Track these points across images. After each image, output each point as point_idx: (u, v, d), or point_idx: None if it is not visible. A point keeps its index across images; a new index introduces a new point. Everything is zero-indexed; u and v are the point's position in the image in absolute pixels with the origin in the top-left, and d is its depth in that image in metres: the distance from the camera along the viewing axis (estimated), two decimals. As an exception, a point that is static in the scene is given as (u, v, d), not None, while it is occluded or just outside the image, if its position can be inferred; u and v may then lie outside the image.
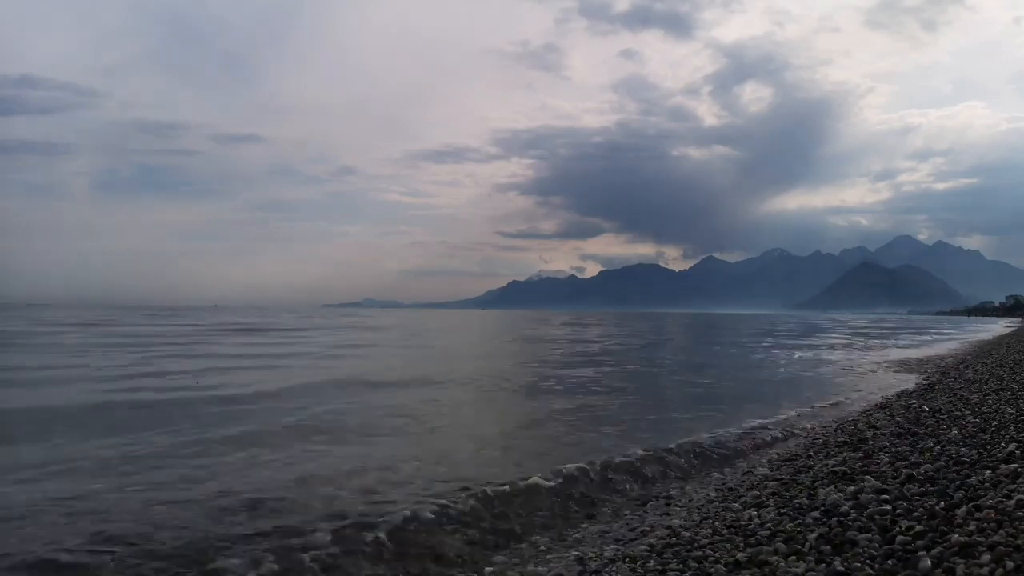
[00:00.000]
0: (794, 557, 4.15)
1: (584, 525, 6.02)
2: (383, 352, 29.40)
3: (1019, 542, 3.59)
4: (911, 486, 5.16)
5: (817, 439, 8.98)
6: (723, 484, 7.06)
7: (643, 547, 4.95)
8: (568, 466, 7.58)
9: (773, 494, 5.87)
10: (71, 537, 5.22)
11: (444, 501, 6.24)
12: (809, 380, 18.18)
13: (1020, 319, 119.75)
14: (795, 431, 10.11)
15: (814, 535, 4.40)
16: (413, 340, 40.19)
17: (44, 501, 6.06)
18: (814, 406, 12.79)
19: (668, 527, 5.45)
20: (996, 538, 3.69)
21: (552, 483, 7.01)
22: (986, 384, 12.02)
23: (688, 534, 5.08)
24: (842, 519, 4.62)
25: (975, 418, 8.06)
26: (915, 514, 4.43)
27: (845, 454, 7.12)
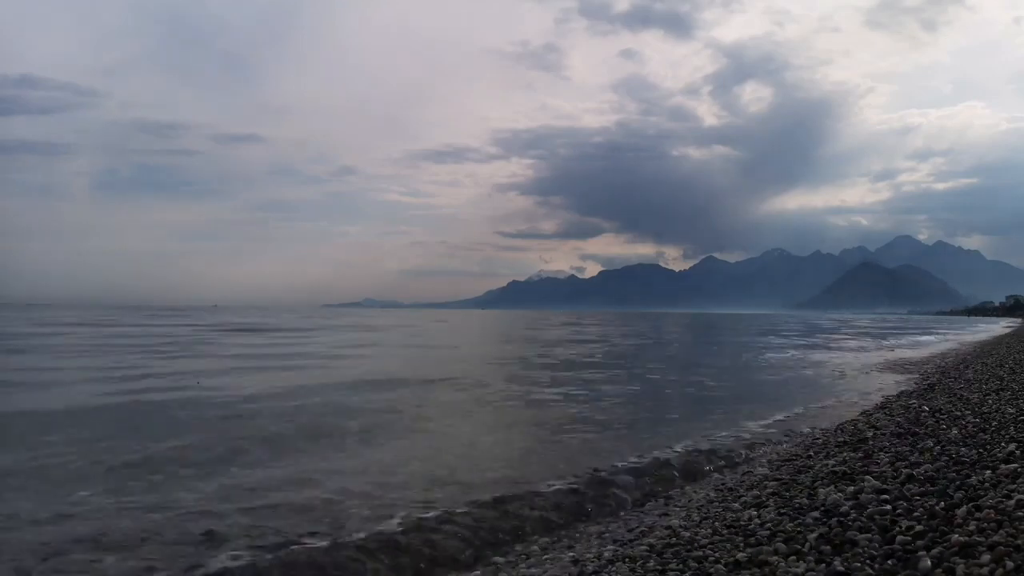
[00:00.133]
0: (794, 557, 4.15)
1: (582, 526, 6.01)
2: (383, 353, 29.41)
3: (1019, 542, 3.58)
4: (911, 486, 5.16)
5: (817, 439, 8.98)
6: (723, 484, 7.06)
7: (643, 547, 4.95)
8: (567, 468, 7.60)
9: (773, 494, 5.87)
10: (68, 544, 5.20)
11: (442, 504, 6.25)
12: (810, 381, 18.17)
13: (1020, 319, 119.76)
14: (794, 431, 10.12)
15: (814, 535, 4.40)
16: (413, 341, 40.20)
17: (39, 508, 6.01)
18: (809, 407, 12.80)
19: (668, 527, 5.45)
20: (996, 538, 3.69)
21: (551, 485, 7.02)
22: (986, 384, 12.01)
23: (688, 534, 5.08)
24: (842, 519, 4.62)
25: (975, 418, 8.06)
26: (915, 514, 4.43)
27: (845, 454, 7.12)
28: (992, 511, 4.10)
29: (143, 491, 6.58)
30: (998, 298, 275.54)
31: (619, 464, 8.02)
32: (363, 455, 8.33)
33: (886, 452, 6.83)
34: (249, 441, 8.96)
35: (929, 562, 3.61)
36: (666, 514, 6.11)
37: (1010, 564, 3.37)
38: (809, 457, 7.62)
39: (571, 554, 5.21)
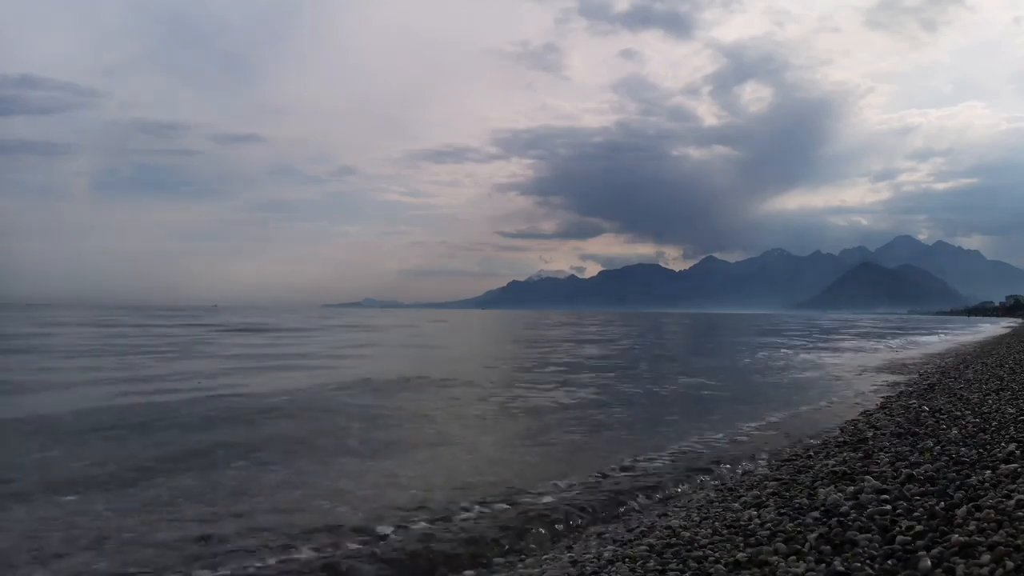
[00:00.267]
0: (794, 557, 4.14)
1: (582, 527, 6.01)
2: (383, 353, 29.43)
3: (1019, 542, 3.58)
4: (911, 486, 5.16)
5: (815, 441, 8.98)
6: (723, 484, 7.06)
7: (643, 547, 4.95)
8: (566, 470, 7.61)
9: (773, 494, 5.87)
10: (66, 549, 5.19)
11: (441, 506, 6.26)
12: (809, 382, 18.17)
13: (1020, 319, 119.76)
14: (792, 433, 10.12)
15: (814, 535, 4.40)
16: (413, 341, 40.21)
17: (38, 512, 6.00)
18: (808, 407, 12.80)
19: (668, 527, 5.45)
20: (996, 538, 3.69)
21: (549, 486, 7.03)
22: (986, 384, 12.01)
23: (688, 534, 5.08)
24: (842, 519, 4.62)
25: (975, 418, 8.05)
26: (915, 514, 4.43)
27: (845, 454, 7.12)
28: (992, 511, 4.10)
29: (142, 494, 6.56)
30: (998, 298, 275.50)
31: (618, 465, 8.03)
32: (362, 457, 8.32)
33: (886, 452, 6.82)
34: (249, 443, 8.96)
35: (929, 562, 3.61)
36: (666, 514, 6.11)
37: (1010, 564, 3.37)
38: (809, 457, 7.62)
39: (570, 554, 5.22)
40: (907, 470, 5.67)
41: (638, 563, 4.61)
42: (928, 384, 14.02)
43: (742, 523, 5.08)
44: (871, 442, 7.59)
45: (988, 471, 5.17)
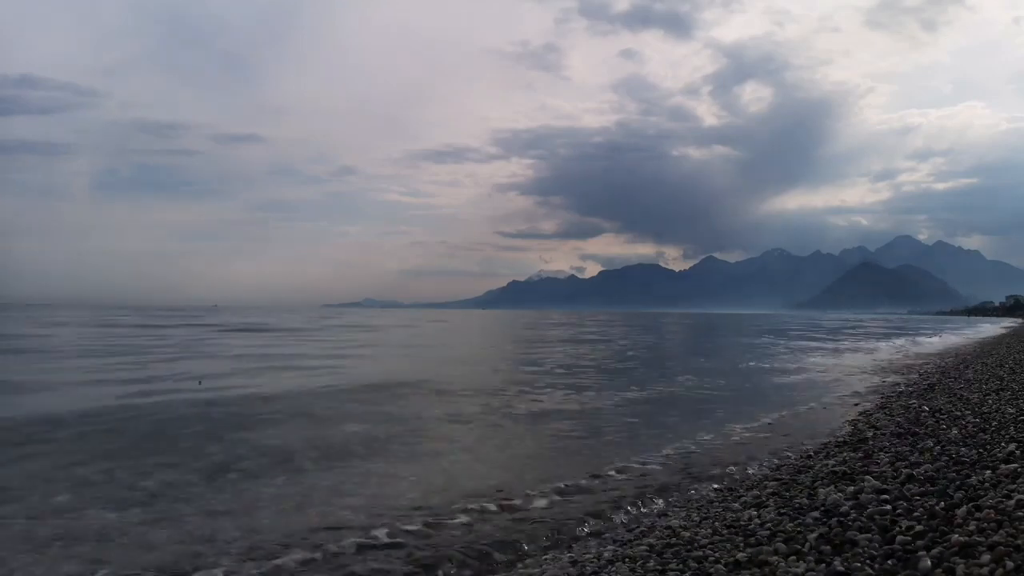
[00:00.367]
0: (794, 557, 4.15)
1: (581, 527, 6.00)
2: (384, 354, 29.44)
3: (1019, 542, 3.58)
4: (911, 486, 5.16)
5: (817, 439, 8.98)
6: (723, 484, 7.06)
7: (643, 547, 4.95)
8: (565, 471, 7.61)
9: (773, 494, 5.87)
10: (65, 555, 5.17)
11: (440, 508, 6.26)
12: (808, 383, 18.16)
13: (1020, 319, 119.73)
14: (792, 434, 10.12)
15: (814, 535, 4.40)
16: (413, 342, 40.24)
17: (37, 517, 5.95)
18: (806, 409, 12.79)
19: (668, 527, 5.45)
20: (996, 538, 3.69)
21: (549, 487, 7.04)
22: (986, 384, 12.02)
23: (688, 534, 5.08)
24: (842, 519, 4.62)
25: (975, 418, 8.06)
26: (915, 514, 4.43)
27: (845, 454, 7.12)
28: (992, 511, 4.10)
29: (141, 498, 6.53)
30: (998, 298, 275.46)
31: (618, 465, 8.03)
32: (362, 460, 8.28)
33: (886, 452, 6.83)
34: (249, 444, 8.95)
35: (929, 562, 3.62)
36: (666, 514, 6.11)
37: (1010, 564, 3.37)
38: (809, 457, 7.63)
39: (570, 554, 5.22)
40: (907, 470, 5.68)
41: (638, 563, 4.61)
42: (928, 384, 14.02)
43: (742, 523, 5.08)
44: (871, 442, 7.60)
45: (988, 471, 5.17)
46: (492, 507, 6.38)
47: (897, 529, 4.22)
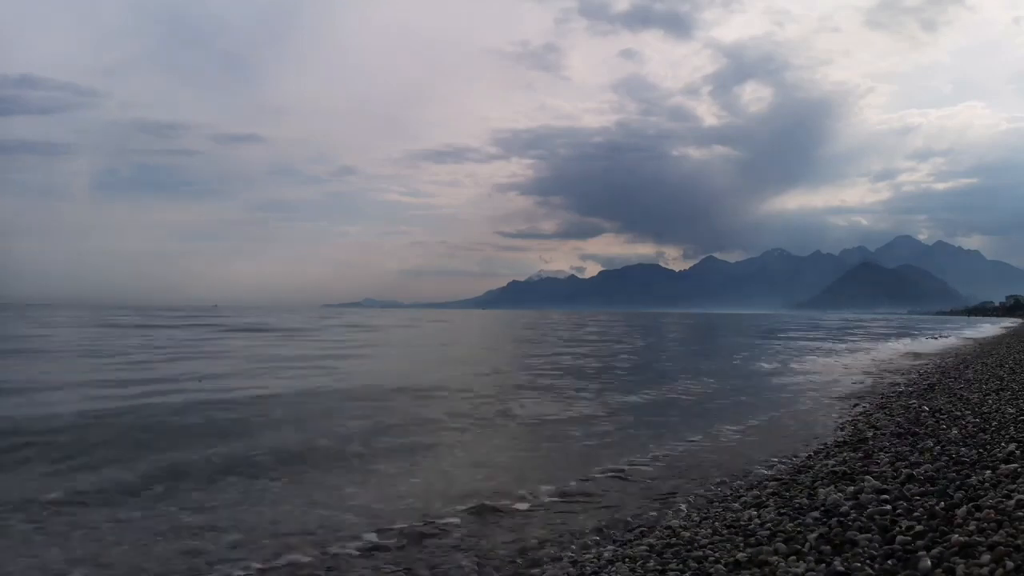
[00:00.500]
0: (794, 557, 4.15)
1: (581, 526, 6.00)
2: (384, 354, 29.44)
3: (1019, 542, 3.58)
4: (911, 486, 5.16)
5: (817, 439, 8.98)
6: (723, 484, 7.06)
7: (643, 547, 4.95)
8: (565, 472, 7.62)
9: (773, 494, 5.87)
10: (64, 559, 5.16)
11: (439, 510, 6.26)
12: (808, 383, 18.15)
13: (1020, 319, 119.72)
14: (792, 434, 10.12)
15: (814, 535, 4.40)
16: (414, 342, 40.25)
17: (37, 525, 5.90)
18: (804, 410, 12.78)
19: (668, 527, 5.45)
20: (996, 538, 3.69)
21: (549, 488, 7.04)
22: (986, 384, 12.02)
23: (688, 534, 5.08)
24: (842, 519, 4.62)
25: (975, 418, 8.06)
26: (915, 514, 4.43)
27: (845, 454, 7.12)
28: (992, 511, 4.10)
29: (141, 503, 6.48)
30: (998, 298, 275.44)
31: (617, 466, 8.04)
32: (362, 462, 8.25)
33: (886, 452, 6.83)
34: (248, 445, 8.93)
35: (929, 562, 3.62)
36: (666, 514, 6.11)
37: (1010, 564, 3.37)
38: (809, 457, 7.63)
39: (570, 554, 5.22)
40: (907, 470, 5.68)
41: (638, 563, 4.62)
42: (928, 384, 14.02)
43: (742, 523, 5.08)
44: (871, 442, 7.60)
45: (988, 471, 5.17)
46: (491, 509, 6.38)
47: (897, 529, 4.22)
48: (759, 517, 5.15)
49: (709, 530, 5.09)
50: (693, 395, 14.75)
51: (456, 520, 6.06)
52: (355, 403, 12.86)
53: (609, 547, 5.24)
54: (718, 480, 7.30)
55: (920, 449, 6.66)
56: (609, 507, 6.49)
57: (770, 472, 7.28)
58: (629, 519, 6.09)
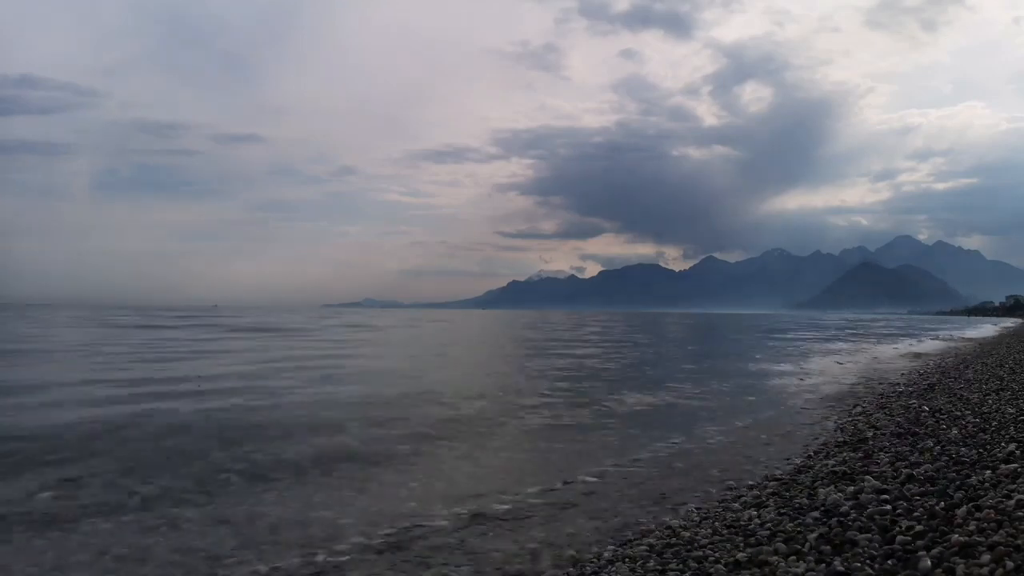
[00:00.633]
0: (794, 557, 4.15)
1: (580, 526, 6.00)
2: (385, 354, 29.43)
3: (1019, 542, 3.58)
4: (911, 486, 5.16)
5: (817, 439, 8.98)
6: (723, 484, 7.06)
7: (643, 547, 4.95)
8: (564, 473, 7.62)
9: (773, 494, 5.87)
10: (63, 565, 5.14)
11: (439, 511, 6.26)
12: (807, 385, 18.14)
13: (1020, 319, 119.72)
14: (793, 435, 10.11)
15: (814, 535, 4.40)
16: (415, 343, 40.25)
17: (36, 533, 5.81)
18: (797, 409, 12.77)
19: (668, 527, 5.45)
20: (996, 538, 3.69)
21: (548, 488, 7.05)
22: (986, 384, 12.02)
23: (688, 534, 5.08)
24: (842, 519, 4.62)
25: (975, 418, 8.06)
26: (915, 514, 4.43)
27: (845, 454, 7.12)
28: (992, 511, 4.10)
29: (140, 507, 6.44)
30: (998, 298, 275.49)
31: (617, 466, 8.04)
32: (362, 464, 8.20)
33: (886, 452, 6.83)
34: (248, 448, 8.87)
35: (929, 562, 3.62)
36: (666, 514, 6.10)
37: (1010, 564, 3.37)
38: (809, 457, 7.63)
39: (570, 553, 5.22)
40: (907, 470, 5.68)
41: (638, 563, 4.62)
42: (928, 384, 14.02)
43: (742, 523, 5.08)
44: (871, 442, 7.60)
45: (988, 471, 5.17)
46: (491, 509, 6.39)
47: (897, 529, 4.22)
48: (759, 517, 5.15)
49: (709, 530, 5.09)
50: (694, 395, 14.74)
51: (455, 522, 6.05)
52: (355, 404, 12.84)
53: (609, 547, 5.24)
54: (718, 480, 7.30)
55: (920, 449, 6.66)
56: (609, 507, 6.48)
57: (770, 472, 7.27)
58: (629, 519, 6.09)
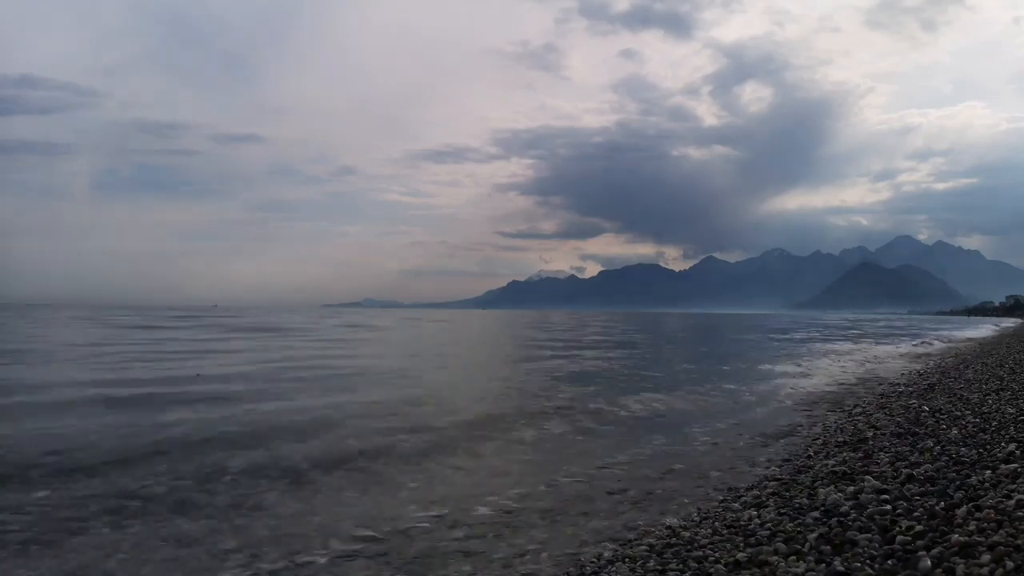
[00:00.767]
0: (794, 557, 4.15)
1: (581, 525, 6.00)
2: (385, 354, 29.43)
3: (1019, 542, 3.58)
4: (911, 486, 5.16)
5: (817, 439, 8.98)
6: (723, 484, 7.06)
7: (643, 547, 4.95)
8: (563, 474, 7.61)
9: (773, 494, 5.87)
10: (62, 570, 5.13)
11: (441, 515, 6.25)
12: (808, 385, 18.14)
13: (1020, 319, 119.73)
14: (796, 434, 10.11)
15: (814, 535, 4.40)
16: (416, 344, 40.25)
17: (37, 542, 5.72)
18: (796, 408, 12.77)
19: (668, 527, 5.45)
20: (996, 538, 3.69)
21: (548, 489, 7.05)
22: (986, 384, 12.02)
23: (688, 534, 5.08)
24: (842, 519, 4.62)
25: (975, 418, 8.06)
26: (915, 514, 4.43)
27: (845, 454, 7.12)
28: (992, 511, 4.10)
29: (141, 508, 6.43)
30: (998, 298, 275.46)
31: (617, 465, 8.04)
32: (363, 468, 8.15)
33: (886, 452, 6.83)
34: (248, 448, 8.87)
35: (929, 562, 3.62)
36: (666, 514, 6.11)
37: (1010, 564, 3.37)
38: (809, 457, 7.63)
39: (570, 552, 5.22)
40: (907, 470, 5.68)
41: (638, 563, 4.62)
42: (928, 384, 14.02)
43: (742, 523, 5.08)
44: (871, 442, 7.60)
45: (988, 471, 5.17)
46: (491, 510, 6.39)
47: (897, 529, 4.22)
48: (759, 517, 5.15)
49: (709, 530, 5.09)
50: (693, 396, 14.73)
51: (456, 523, 6.05)
52: (355, 405, 12.83)
53: (609, 547, 5.24)
54: (717, 480, 7.30)
55: (920, 449, 6.66)
56: (609, 507, 6.48)
57: (770, 472, 7.27)
58: (629, 519, 6.09)
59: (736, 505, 5.80)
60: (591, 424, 11.07)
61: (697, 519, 5.60)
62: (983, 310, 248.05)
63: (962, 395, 10.76)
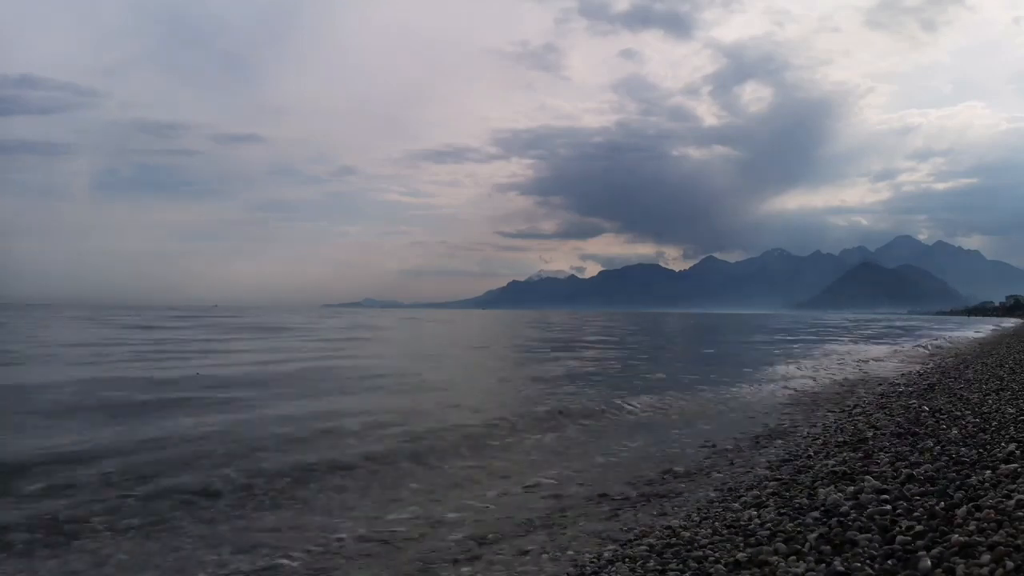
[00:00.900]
0: (794, 557, 4.15)
1: (581, 526, 6.00)
2: (385, 354, 29.43)
3: (1019, 542, 3.58)
4: (911, 486, 5.16)
5: (817, 439, 8.98)
6: (723, 484, 7.06)
7: (643, 547, 4.95)
8: (564, 473, 7.60)
9: (773, 494, 5.87)
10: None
11: (440, 515, 6.25)
12: (810, 385, 18.14)
13: (1020, 319, 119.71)
14: (795, 434, 10.10)
15: (814, 535, 4.40)
16: (416, 343, 40.25)
17: (37, 550, 5.65)
18: (795, 408, 12.77)
19: (668, 527, 5.45)
20: (996, 538, 3.69)
21: (547, 488, 7.05)
22: (986, 384, 12.01)
23: (688, 534, 5.08)
24: (842, 519, 4.62)
25: (975, 418, 8.06)
26: (915, 514, 4.43)
27: (845, 454, 7.12)
28: (992, 511, 4.10)
29: (141, 511, 6.38)
30: (998, 298, 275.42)
31: (617, 465, 8.04)
32: (363, 469, 8.11)
33: (886, 452, 6.83)
34: (248, 449, 8.86)
35: (929, 562, 3.62)
36: (666, 514, 6.10)
37: (1010, 564, 3.37)
38: (809, 457, 7.62)
39: (570, 553, 5.22)
40: (907, 470, 5.68)
41: (638, 563, 4.61)
42: (928, 384, 14.02)
43: (742, 523, 5.08)
44: (871, 442, 7.60)
45: (988, 471, 5.17)
46: (491, 511, 6.40)
47: (897, 529, 4.22)
48: (759, 517, 5.15)
49: (709, 530, 5.09)
50: (693, 396, 14.73)
51: (456, 523, 6.05)
52: (355, 405, 12.83)
53: (609, 547, 5.23)
54: (717, 480, 7.30)
55: (920, 449, 6.66)
56: (609, 508, 6.48)
57: (770, 472, 7.27)
58: (629, 519, 6.09)
59: (736, 505, 5.80)
60: (591, 424, 11.08)
61: (697, 519, 5.59)
62: (983, 310, 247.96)
63: (962, 395, 10.75)
